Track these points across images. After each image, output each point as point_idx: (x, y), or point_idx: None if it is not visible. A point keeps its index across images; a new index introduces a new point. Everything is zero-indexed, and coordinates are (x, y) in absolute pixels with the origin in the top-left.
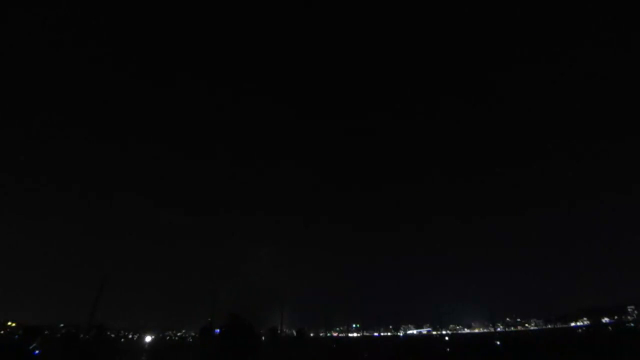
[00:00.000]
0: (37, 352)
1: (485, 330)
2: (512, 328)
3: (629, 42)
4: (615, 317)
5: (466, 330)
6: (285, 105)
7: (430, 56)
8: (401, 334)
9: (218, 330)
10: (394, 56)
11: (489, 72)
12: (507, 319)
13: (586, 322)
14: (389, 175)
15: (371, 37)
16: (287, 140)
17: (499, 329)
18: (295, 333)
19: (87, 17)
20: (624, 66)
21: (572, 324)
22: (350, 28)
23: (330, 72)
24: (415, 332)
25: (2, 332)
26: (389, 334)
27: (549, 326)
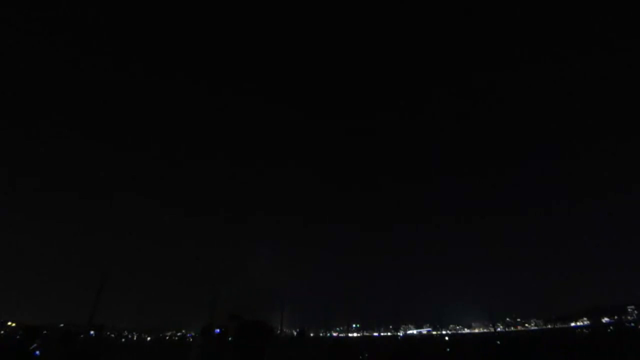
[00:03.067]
0: (37, 352)
1: (485, 330)
2: (512, 328)
3: (629, 43)
4: (615, 317)
5: (466, 330)
6: (285, 106)
7: (430, 57)
8: (401, 334)
9: (218, 330)
10: (394, 57)
11: (489, 72)
12: (507, 319)
13: (586, 322)
14: (389, 175)
15: (372, 38)
16: (287, 141)
17: (499, 329)
18: (295, 333)
19: (87, 17)
20: (624, 66)
21: (572, 324)
22: (350, 28)
23: (330, 72)
24: (415, 332)
25: (2, 332)
26: (389, 334)
27: (549, 326)
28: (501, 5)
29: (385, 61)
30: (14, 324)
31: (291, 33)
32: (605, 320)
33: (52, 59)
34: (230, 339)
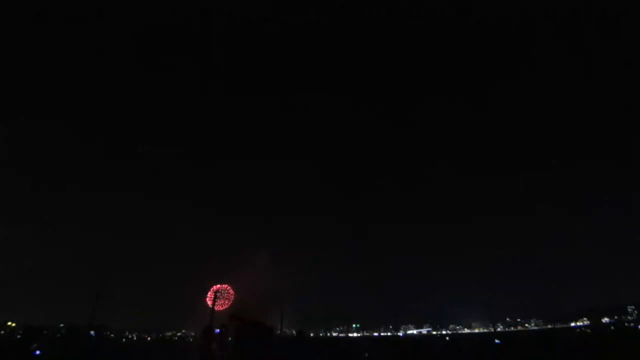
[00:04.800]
0: (38, 352)
1: (485, 330)
2: (512, 328)
3: (629, 43)
4: (615, 317)
5: (466, 330)
6: (285, 106)
7: (431, 59)
8: (401, 334)
9: (218, 330)
10: (395, 59)
11: (489, 72)
12: (507, 319)
13: (586, 322)
14: (389, 175)
15: (372, 39)
16: (286, 141)
17: (499, 329)
18: (295, 333)
19: (87, 17)
20: (624, 66)
21: (572, 324)
22: (350, 31)
23: (330, 73)
24: (415, 332)
25: (2, 332)
26: (389, 334)
27: (549, 326)
28: (501, 6)
29: (385, 64)
30: (14, 324)
31: (293, 35)
32: (605, 320)
33: (52, 58)
34: (230, 339)
